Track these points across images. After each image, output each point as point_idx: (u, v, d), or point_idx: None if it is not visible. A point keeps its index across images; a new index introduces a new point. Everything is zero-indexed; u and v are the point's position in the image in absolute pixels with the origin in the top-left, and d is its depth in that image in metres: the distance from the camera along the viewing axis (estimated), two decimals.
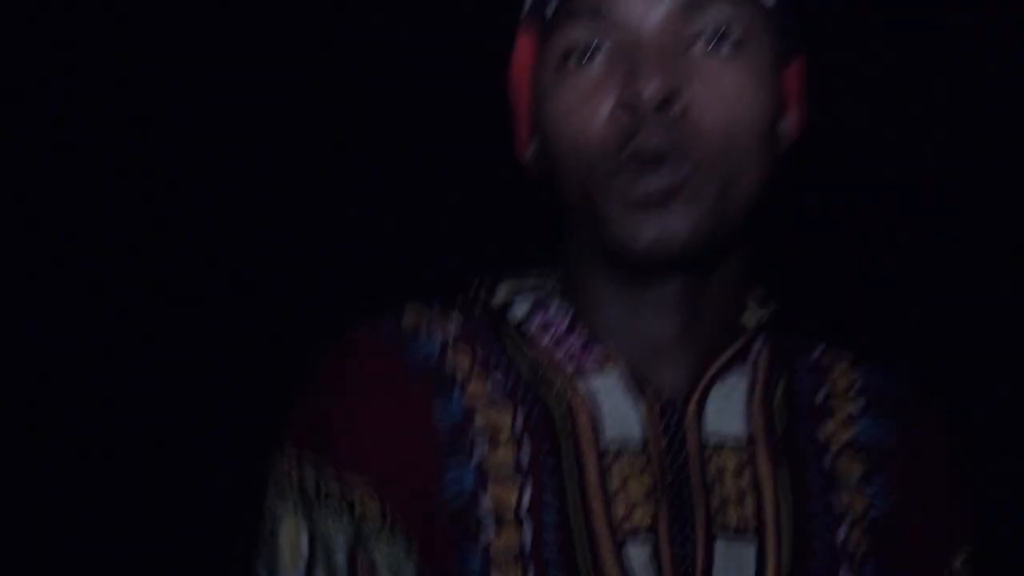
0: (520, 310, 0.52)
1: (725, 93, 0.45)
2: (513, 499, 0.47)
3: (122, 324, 1.67)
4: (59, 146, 1.75)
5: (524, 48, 0.51)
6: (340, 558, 0.48)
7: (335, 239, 1.60)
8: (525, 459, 0.48)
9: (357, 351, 0.50)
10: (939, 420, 0.56)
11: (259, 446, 0.55)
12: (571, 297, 0.52)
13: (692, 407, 0.50)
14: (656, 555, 0.47)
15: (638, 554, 0.46)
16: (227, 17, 1.58)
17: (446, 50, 1.43)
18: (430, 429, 0.48)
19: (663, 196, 0.44)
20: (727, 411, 0.51)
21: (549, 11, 0.48)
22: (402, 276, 1.40)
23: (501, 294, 0.54)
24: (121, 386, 1.66)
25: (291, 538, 0.49)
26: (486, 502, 0.47)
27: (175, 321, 1.67)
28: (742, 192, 0.47)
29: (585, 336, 0.51)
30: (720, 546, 0.47)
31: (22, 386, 1.67)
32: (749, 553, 0.48)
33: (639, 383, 0.50)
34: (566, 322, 0.52)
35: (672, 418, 0.49)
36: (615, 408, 0.49)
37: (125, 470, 1.63)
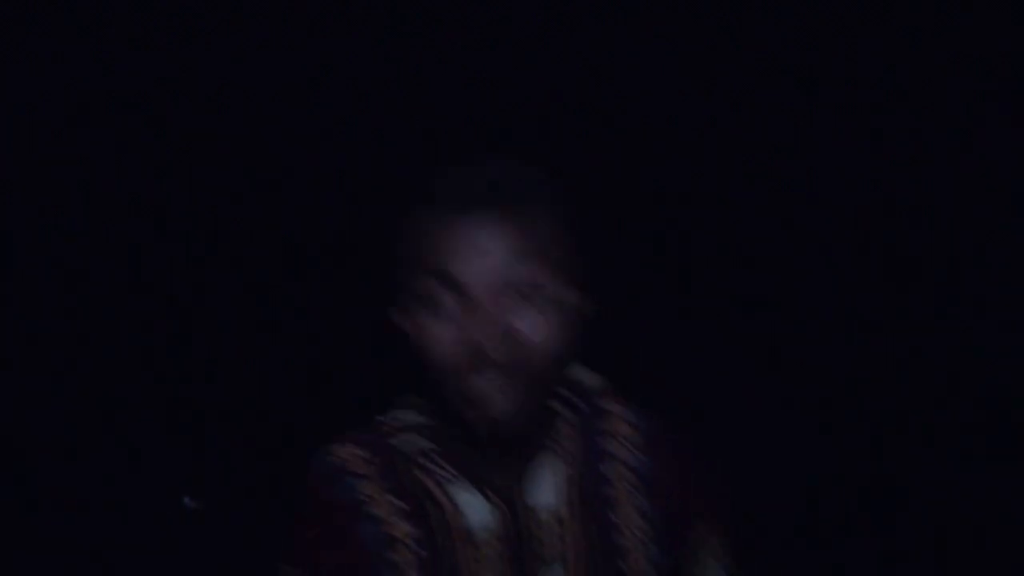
0: (407, 445, 0.80)
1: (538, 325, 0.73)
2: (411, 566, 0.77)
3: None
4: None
5: None
6: None
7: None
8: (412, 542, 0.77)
9: (310, 494, 0.81)
10: (676, 444, 0.84)
11: None
12: (437, 433, 0.80)
13: (517, 488, 0.78)
14: None
15: None
16: None
17: None
18: (356, 542, 0.78)
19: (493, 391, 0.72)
20: (540, 486, 0.78)
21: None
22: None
23: (397, 426, 0.82)
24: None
25: None
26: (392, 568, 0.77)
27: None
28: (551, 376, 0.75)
29: (446, 462, 0.79)
30: (543, 571, 0.77)
31: None
32: (559, 571, 0.77)
33: (480, 483, 0.78)
34: (435, 453, 0.80)
35: (504, 497, 0.78)
36: (468, 502, 0.78)
37: None
